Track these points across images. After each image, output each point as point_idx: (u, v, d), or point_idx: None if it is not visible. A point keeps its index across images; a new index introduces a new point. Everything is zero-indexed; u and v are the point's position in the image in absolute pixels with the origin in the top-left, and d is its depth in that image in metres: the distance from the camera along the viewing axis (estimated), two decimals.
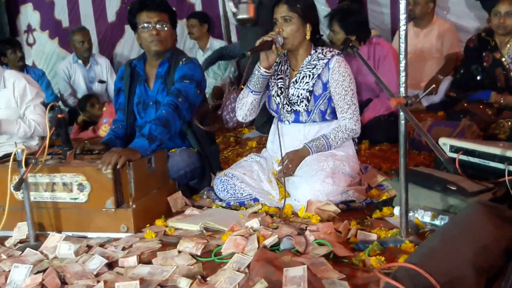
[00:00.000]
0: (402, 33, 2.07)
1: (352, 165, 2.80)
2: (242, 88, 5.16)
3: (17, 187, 2.43)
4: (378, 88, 3.99)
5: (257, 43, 2.72)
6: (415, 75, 4.73)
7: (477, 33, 4.36)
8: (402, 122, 2.12)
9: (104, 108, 5.30)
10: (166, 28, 3.03)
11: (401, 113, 2.10)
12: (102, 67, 5.96)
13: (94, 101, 5.35)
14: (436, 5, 5.31)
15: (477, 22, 5.36)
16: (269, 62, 2.75)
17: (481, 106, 3.72)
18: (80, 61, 5.88)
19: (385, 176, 2.96)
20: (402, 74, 2.10)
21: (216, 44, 6.09)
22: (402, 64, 2.09)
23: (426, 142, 3.40)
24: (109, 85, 5.96)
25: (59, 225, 2.59)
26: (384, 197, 2.70)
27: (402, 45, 2.08)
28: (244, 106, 2.90)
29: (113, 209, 2.50)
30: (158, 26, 3.01)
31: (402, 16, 2.06)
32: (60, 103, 5.59)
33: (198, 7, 6.51)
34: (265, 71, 2.77)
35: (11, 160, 2.48)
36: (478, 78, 3.91)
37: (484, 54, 3.88)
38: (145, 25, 3.02)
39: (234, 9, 4.39)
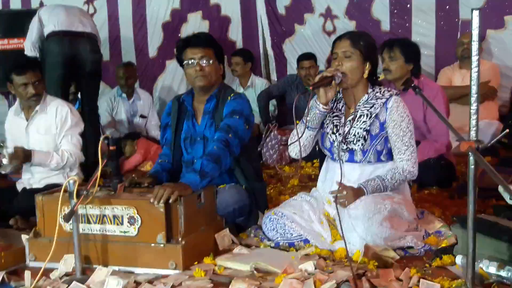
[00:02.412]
0: (474, 75, 2.00)
1: (409, 209, 2.69)
2: (276, 125, 5.22)
3: (67, 219, 2.38)
4: (425, 130, 3.89)
5: (317, 78, 2.65)
6: (461, 117, 4.61)
7: None
8: (472, 167, 2.01)
9: (135, 147, 5.30)
10: (210, 64, 3.01)
11: (471, 158, 2.00)
12: (144, 102, 5.98)
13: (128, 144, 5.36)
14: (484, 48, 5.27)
15: None
16: (327, 98, 2.68)
17: None
18: (124, 95, 5.91)
19: (443, 222, 2.83)
20: (473, 117, 2.01)
21: (257, 82, 6.08)
22: (474, 106, 2.01)
23: (479, 188, 3.30)
24: (149, 120, 5.96)
25: (106, 258, 2.52)
26: (443, 245, 2.57)
27: (474, 87, 2.00)
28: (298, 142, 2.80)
29: (163, 244, 2.43)
30: (202, 62, 2.99)
31: (474, 58, 1.99)
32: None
33: (239, 45, 6.54)
34: (323, 107, 2.70)
35: (61, 191, 2.43)
36: None
37: None
38: (190, 61, 3.01)
39: None
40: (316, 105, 2.71)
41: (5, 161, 3.31)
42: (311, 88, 2.59)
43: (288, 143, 2.88)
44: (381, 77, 4.20)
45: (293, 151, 2.85)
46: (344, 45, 2.71)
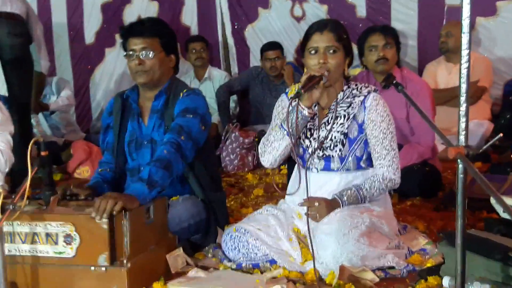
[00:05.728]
0: (464, 71, 2.03)
1: (390, 223, 2.75)
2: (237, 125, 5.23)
3: None
4: (408, 131, 3.97)
5: (304, 78, 2.66)
6: (448, 117, 4.71)
7: None
8: (461, 176, 2.06)
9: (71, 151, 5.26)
10: (152, 56, 2.99)
11: (460, 165, 2.05)
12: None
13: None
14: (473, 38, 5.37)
15: None
16: (313, 99, 2.69)
17: None
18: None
19: (428, 238, 2.90)
20: (463, 119, 2.06)
21: (215, 74, 6.08)
22: (463, 108, 2.05)
23: (468, 198, 3.38)
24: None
25: (37, 285, 2.50)
26: (428, 264, 2.63)
27: (464, 86, 2.05)
28: (275, 151, 2.80)
29: (106, 267, 2.42)
30: (142, 54, 2.99)
31: (465, 52, 2.03)
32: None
33: (194, 31, 6.54)
34: (308, 111, 2.70)
35: None
36: None
37: None
38: (129, 53, 3.02)
39: None
40: (301, 110, 2.70)
41: None
42: (302, 91, 2.60)
43: (260, 151, 2.88)
44: (357, 71, 4.27)
45: (267, 160, 2.86)
46: (328, 38, 2.72)
